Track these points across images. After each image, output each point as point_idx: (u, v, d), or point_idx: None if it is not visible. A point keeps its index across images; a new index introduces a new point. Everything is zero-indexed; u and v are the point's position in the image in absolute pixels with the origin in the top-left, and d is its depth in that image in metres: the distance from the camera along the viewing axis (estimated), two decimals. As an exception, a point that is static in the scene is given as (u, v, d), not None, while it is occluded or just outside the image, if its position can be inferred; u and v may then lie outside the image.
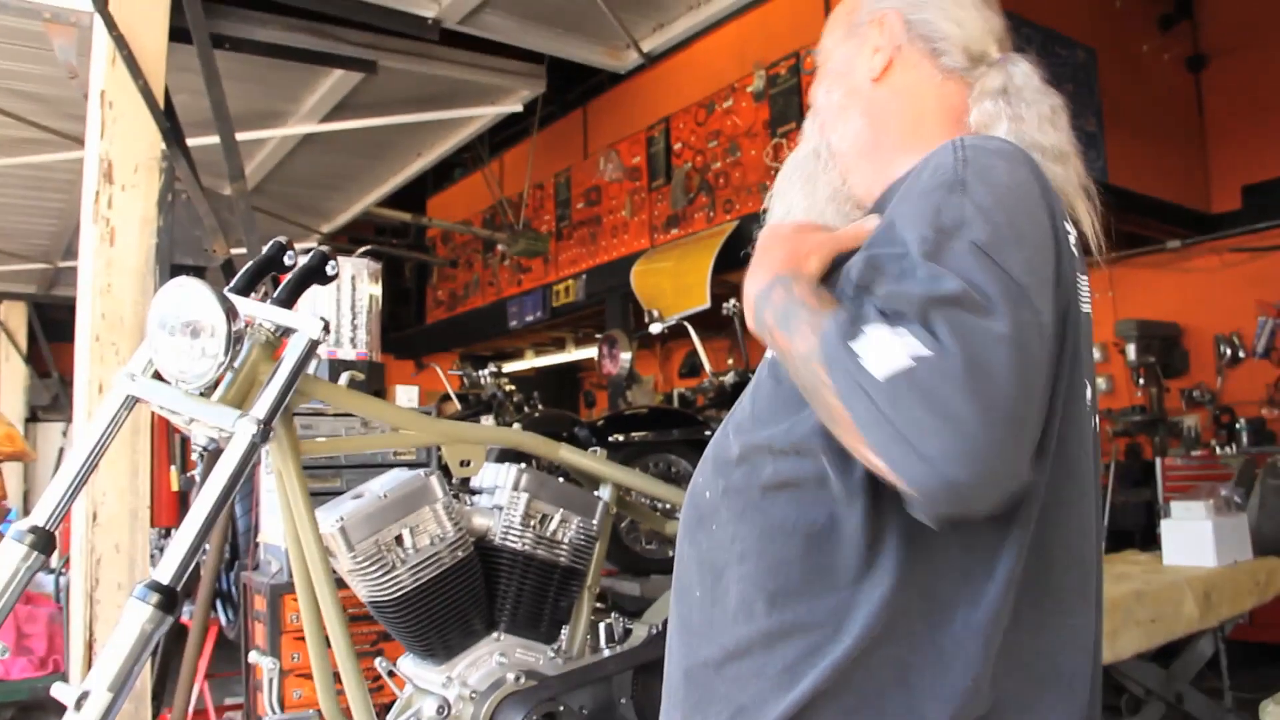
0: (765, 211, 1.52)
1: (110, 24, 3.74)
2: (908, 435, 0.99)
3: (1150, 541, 5.29)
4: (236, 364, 1.77)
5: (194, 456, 4.49)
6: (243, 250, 4.03)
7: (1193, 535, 4.41)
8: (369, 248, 4.24)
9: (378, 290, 3.86)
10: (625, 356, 8.25)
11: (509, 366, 10.82)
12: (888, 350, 1.02)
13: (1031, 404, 1.03)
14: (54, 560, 6.58)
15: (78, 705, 1.47)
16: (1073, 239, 1.29)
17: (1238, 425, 6.91)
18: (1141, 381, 7.39)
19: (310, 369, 1.86)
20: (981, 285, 1.03)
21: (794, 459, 1.22)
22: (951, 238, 1.07)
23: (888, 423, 1.00)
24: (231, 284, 1.93)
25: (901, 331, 1.02)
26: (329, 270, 2.00)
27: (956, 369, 0.98)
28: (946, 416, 0.98)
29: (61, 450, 10.74)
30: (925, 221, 1.10)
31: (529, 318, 9.51)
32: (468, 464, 2.14)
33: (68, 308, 4.24)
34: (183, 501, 4.62)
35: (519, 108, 6.46)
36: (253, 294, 1.96)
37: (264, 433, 1.69)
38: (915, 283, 1.06)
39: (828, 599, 1.17)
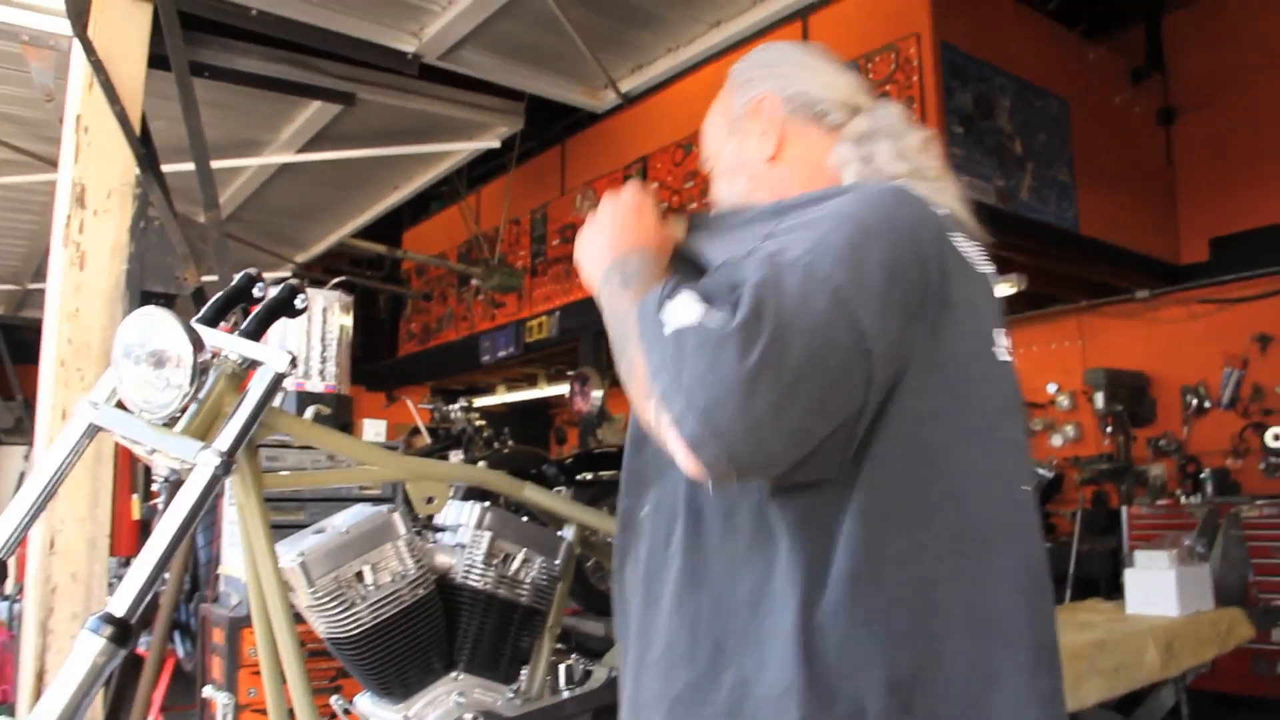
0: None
1: (89, 49, 3.73)
2: (685, 384, 1.07)
3: (1116, 590, 5.31)
4: (201, 395, 1.76)
5: (155, 486, 4.44)
6: (214, 278, 4.01)
7: (1156, 585, 4.43)
8: (342, 279, 4.22)
9: (349, 321, 3.85)
10: (596, 394, 8.25)
11: (480, 401, 10.79)
12: (684, 310, 1.13)
13: (802, 395, 1.08)
14: (9, 587, 6.48)
15: (24, 739, 1.44)
16: (969, 250, 1.37)
17: (1202, 475, 6.97)
18: (1109, 430, 7.45)
19: (277, 401, 1.85)
20: (791, 285, 1.12)
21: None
22: (788, 254, 1.17)
23: (670, 371, 1.09)
24: (199, 314, 1.92)
25: (706, 303, 1.14)
26: (298, 304, 2.00)
27: (739, 335, 1.07)
28: (719, 377, 1.05)
29: (22, 475, 10.60)
30: (774, 244, 1.20)
31: (501, 353, 9.48)
32: (432, 501, 2.13)
33: (35, 330, 4.20)
34: (144, 531, 4.57)
35: (497, 144, 6.48)
36: (221, 325, 1.95)
37: (226, 465, 1.68)
38: (741, 277, 1.16)
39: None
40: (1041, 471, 7.40)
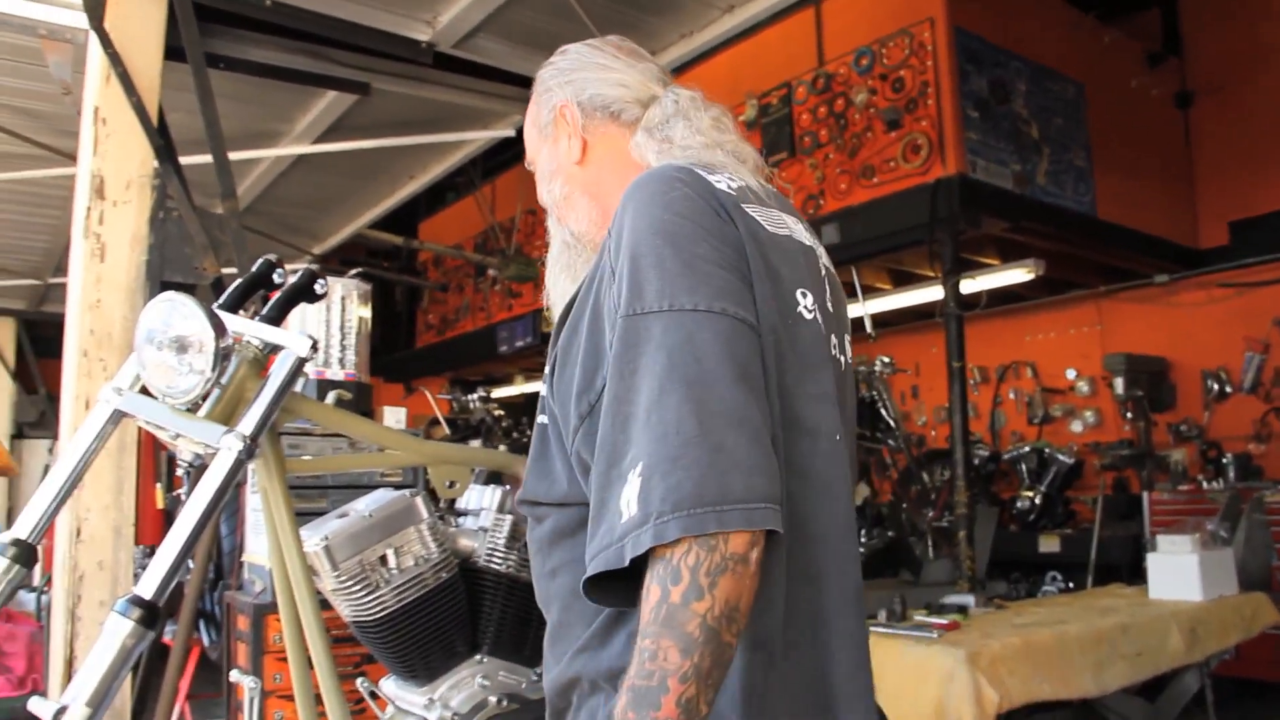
0: (548, 308, 1.68)
1: (105, 41, 3.75)
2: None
3: (1137, 576, 5.29)
4: (223, 380, 1.76)
5: (180, 473, 4.47)
6: (234, 270, 4.03)
7: (1179, 569, 4.41)
8: (360, 270, 4.24)
9: (367, 313, 3.86)
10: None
11: (498, 392, 10.80)
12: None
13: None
14: (36, 578, 6.54)
15: (55, 720, 1.45)
16: (761, 215, 1.40)
17: (1224, 460, 6.92)
18: (1129, 416, 7.40)
19: (298, 388, 1.85)
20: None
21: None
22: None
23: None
24: (220, 300, 1.92)
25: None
26: (318, 289, 2.00)
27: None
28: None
29: (47, 467, 10.69)
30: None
31: (519, 343, 9.48)
32: (453, 485, 2.14)
33: (56, 324, 4.22)
34: (167, 519, 4.60)
35: (511, 132, 6.48)
36: (241, 311, 1.96)
37: (249, 449, 1.68)
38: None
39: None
40: (1061, 458, 7.38)
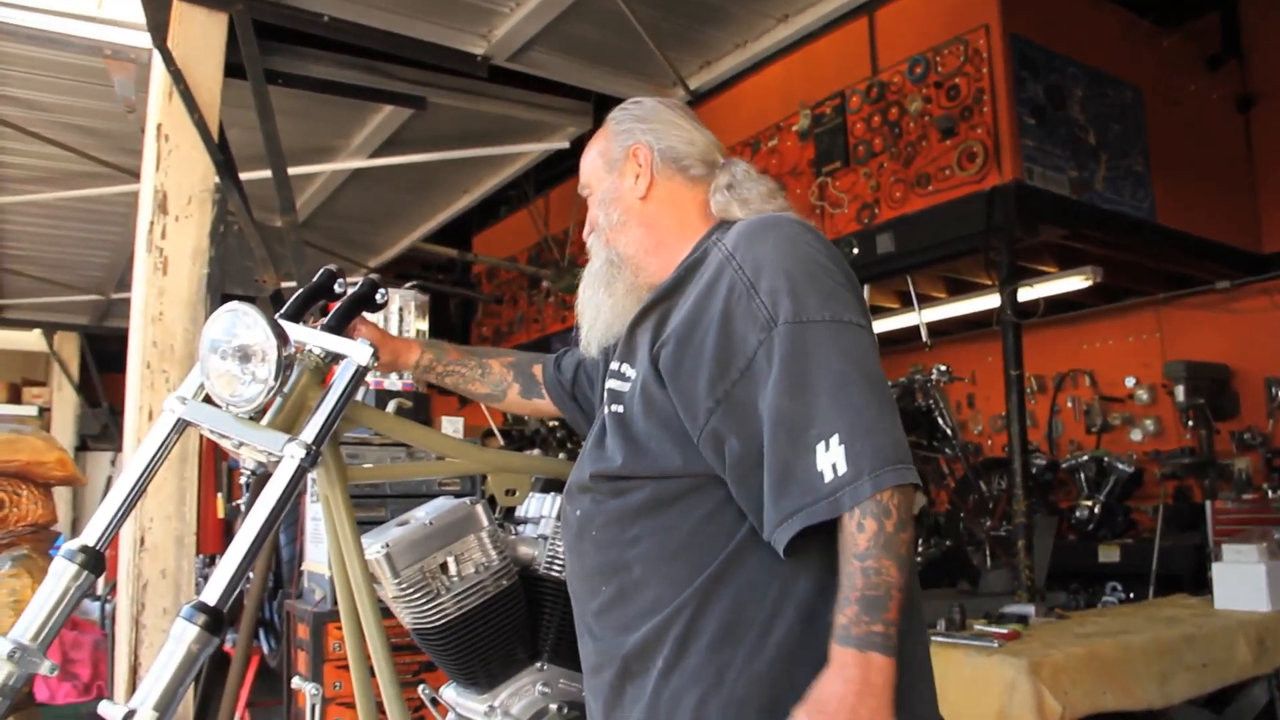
0: (579, 314, 1.96)
1: (168, 60, 3.82)
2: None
3: (1200, 586, 5.19)
4: (286, 389, 1.79)
5: (241, 482, 4.52)
6: (293, 284, 4.08)
7: (1246, 578, 4.33)
8: (416, 282, 4.27)
9: (425, 325, 3.89)
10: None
11: (552, 403, 10.80)
12: None
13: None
14: (100, 587, 6.64)
15: (124, 724, 1.47)
16: None
17: (1290, 469, 6.79)
18: (1190, 424, 7.28)
19: (358, 396, 1.87)
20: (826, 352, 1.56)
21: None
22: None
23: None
24: (283, 310, 1.95)
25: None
26: (378, 298, 2.03)
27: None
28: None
29: (110, 479, 10.87)
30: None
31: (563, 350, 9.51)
32: (513, 493, 2.15)
33: (119, 339, 4.29)
34: (227, 529, 4.66)
35: (566, 144, 6.51)
36: (303, 321, 1.98)
37: (312, 457, 1.70)
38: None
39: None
40: (1121, 466, 7.27)
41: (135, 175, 5.52)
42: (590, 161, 1.98)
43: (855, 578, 1.40)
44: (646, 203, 1.88)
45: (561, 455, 5.41)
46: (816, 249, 1.63)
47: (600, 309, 1.89)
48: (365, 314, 2.07)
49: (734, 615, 1.55)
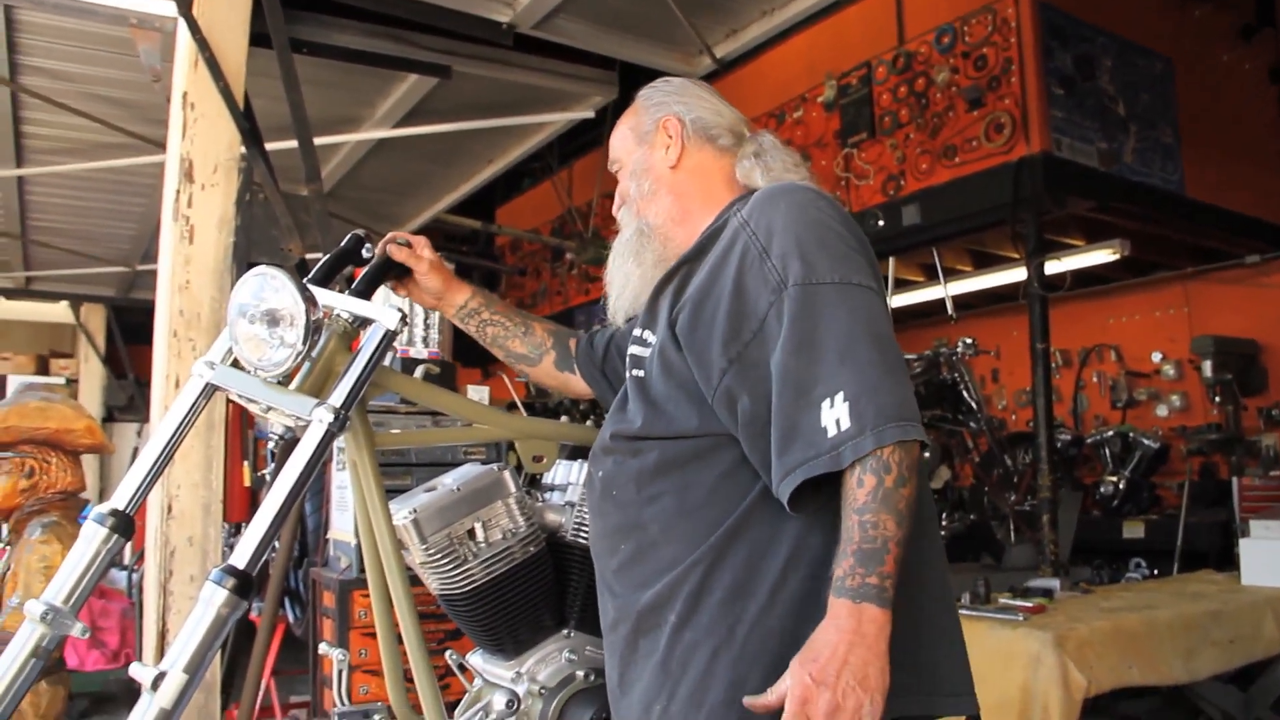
0: (607, 284, 2.00)
1: (194, 28, 3.81)
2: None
3: (1226, 562, 5.16)
4: (314, 354, 1.78)
5: (268, 451, 4.53)
6: (318, 255, 4.08)
7: (1273, 554, 4.30)
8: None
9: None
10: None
11: (575, 375, 10.80)
12: None
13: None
14: (127, 556, 6.70)
15: (154, 685, 1.48)
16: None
17: (1318, 444, 6.74)
18: (1217, 399, 7.22)
19: (386, 362, 1.87)
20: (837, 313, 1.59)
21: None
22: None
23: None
24: (310, 275, 1.94)
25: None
26: (408, 263, 2.01)
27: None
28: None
29: (136, 449, 10.93)
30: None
31: (596, 326, 9.49)
32: (541, 460, 2.14)
33: (144, 311, 4.30)
34: (253, 498, 4.68)
35: (591, 114, 6.48)
36: (330, 287, 1.98)
37: (340, 421, 1.70)
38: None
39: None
40: (1147, 442, 7.22)
41: (160, 146, 5.53)
42: (620, 136, 2.03)
43: (853, 531, 1.43)
44: (677, 172, 1.92)
45: (589, 423, 5.41)
46: (828, 214, 1.66)
47: (629, 279, 1.93)
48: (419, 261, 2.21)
49: (746, 572, 1.58)
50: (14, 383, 10.22)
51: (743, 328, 1.60)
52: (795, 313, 1.53)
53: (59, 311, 11.80)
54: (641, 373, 1.77)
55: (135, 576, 5.93)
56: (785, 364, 1.52)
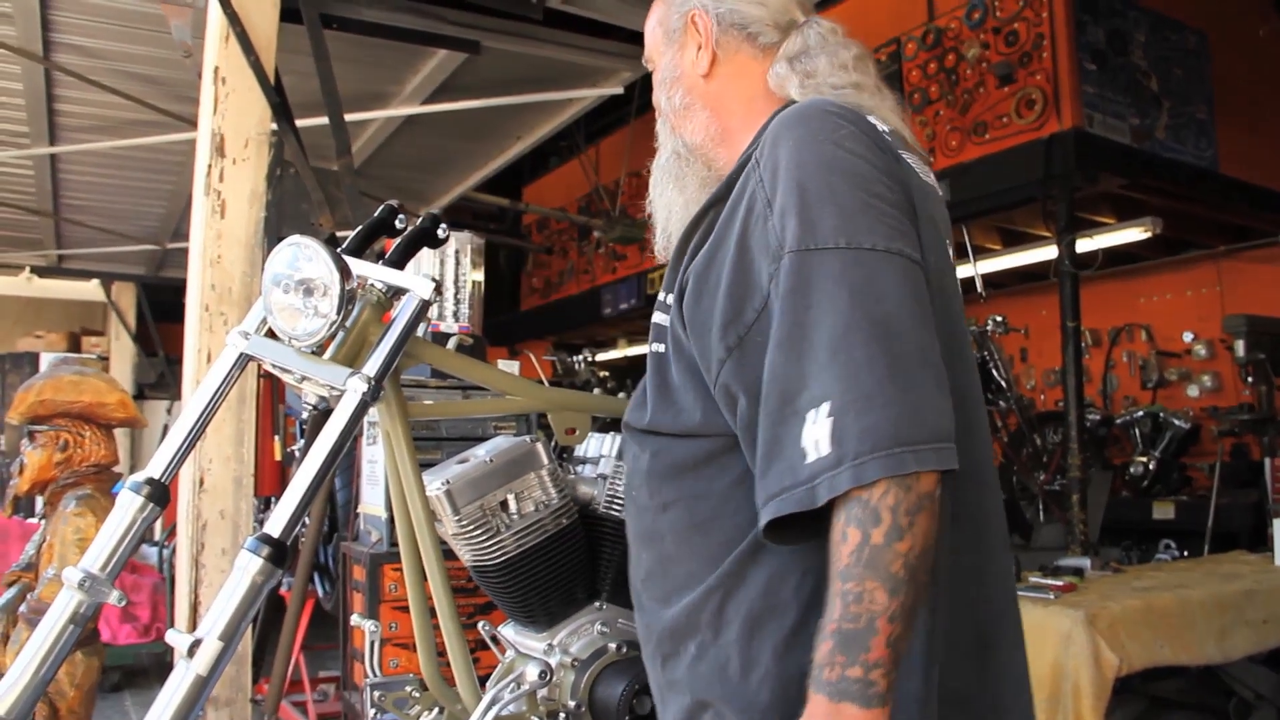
0: (649, 216, 1.69)
1: (224, 3, 3.82)
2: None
3: (1258, 544, 5.12)
4: (348, 323, 1.78)
5: (298, 425, 4.56)
6: (348, 232, 4.08)
7: (1308, 535, 4.27)
8: (468, 230, 4.28)
9: (480, 275, 3.89)
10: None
11: (602, 355, 10.82)
12: None
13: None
14: (158, 532, 6.76)
15: (189, 652, 1.48)
16: (915, 163, 1.41)
17: (1352, 425, 6.66)
18: (1250, 380, 7.15)
19: (419, 333, 1.86)
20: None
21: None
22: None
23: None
24: (344, 245, 1.94)
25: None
26: (440, 233, 2.01)
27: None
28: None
29: (165, 426, 11.02)
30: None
31: (623, 305, 9.46)
32: (573, 432, 2.14)
33: (174, 289, 4.32)
34: (283, 473, 4.71)
35: (620, 89, 6.44)
36: (363, 257, 1.97)
37: (374, 391, 1.69)
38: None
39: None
40: (1177, 422, 7.17)
41: (191, 123, 5.54)
42: (651, 31, 1.71)
43: (834, 602, 1.12)
44: (710, 81, 1.59)
45: (621, 395, 5.42)
46: (849, 147, 1.28)
47: (672, 208, 1.64)
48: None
49: (764, 603, 1.28)
50: (47, 360, 10.30)
51: (745, 306, 1.27)
52: (787, 290, 1.20)
53: (90, 290, 11.87)
54: (662, 347, 1.45)
55: (166, 552, 6.00)
56: (772, 359, 1.21)
